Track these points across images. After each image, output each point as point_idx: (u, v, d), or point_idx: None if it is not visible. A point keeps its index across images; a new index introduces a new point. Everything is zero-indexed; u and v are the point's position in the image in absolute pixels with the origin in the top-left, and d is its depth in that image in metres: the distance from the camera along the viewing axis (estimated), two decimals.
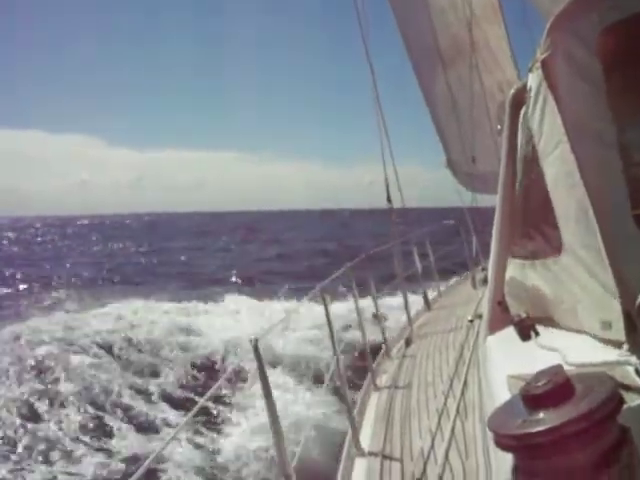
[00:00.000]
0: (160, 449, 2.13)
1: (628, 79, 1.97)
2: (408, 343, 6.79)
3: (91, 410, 10.07)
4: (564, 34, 2.01)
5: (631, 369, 1.59)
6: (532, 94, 2.21)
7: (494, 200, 3.21)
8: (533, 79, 2.19)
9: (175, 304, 19.21)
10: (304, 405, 8.84)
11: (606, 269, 1.82)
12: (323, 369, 10.68)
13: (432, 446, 3.82)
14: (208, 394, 2.88)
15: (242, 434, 8.83)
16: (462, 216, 10.71)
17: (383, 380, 5.59)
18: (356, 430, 4.16)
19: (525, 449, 1.17)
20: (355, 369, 8.73)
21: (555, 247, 2.15)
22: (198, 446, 8.55)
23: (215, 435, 8.99)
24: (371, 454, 3.97)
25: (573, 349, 1.89)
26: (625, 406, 1.19)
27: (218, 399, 9.86)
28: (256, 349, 3.00)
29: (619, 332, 1.77)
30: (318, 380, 10.40)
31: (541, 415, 1.16)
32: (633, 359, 1.64)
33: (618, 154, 1.93)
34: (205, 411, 9.40)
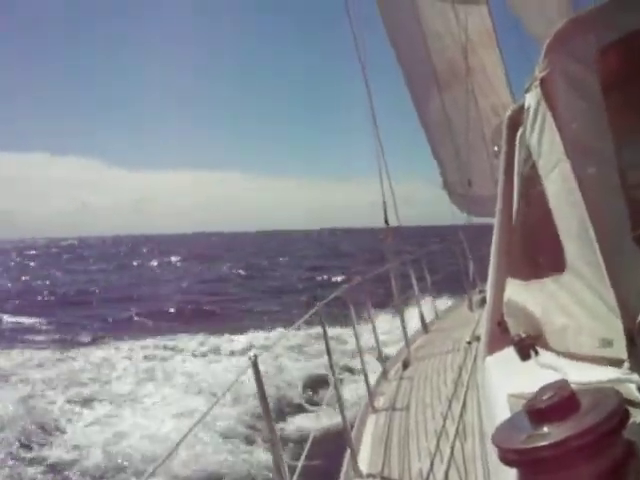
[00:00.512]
0: (164, 458, 2.10)
1: (627, 98, 1.99)
2: (406, 365, 6.76)
3: None
4: (562, 53, 2.03)
5: (633, 387, 1.58)
6: (530, 113, 2.22)
7: (489, 220, 3.23)
8: (531, 98, 2.21)
9: None
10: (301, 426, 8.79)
11: (607, 287, 1.82)
12: (321, 391, 10.68)
13: (431, 468, 3.78)
14: (203, 415, 2.82)
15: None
16: (458, 237, 10.77)
17: (381, 402, 5.55)
18: (354, 452, 4.12)
19: (530, 464, 1.15)
20: (353, 391, 8.74)
21: (557, 266, 2.15)
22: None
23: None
24: (369, 476, 3.93)
25: (574, 368, 1.88)
26: (630, 421, 1.18)
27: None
28: (255, 366, 2.96)
29: (620, 350, 1.77)
30: (314, 402, 10.39)
31: (546, 429, 1.15)
32: (635, 377, 1.64)
33: (617, 172, 1.94)
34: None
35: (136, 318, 25.49)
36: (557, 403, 1.17)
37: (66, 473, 8.93)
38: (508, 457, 1.20)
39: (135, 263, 62.15)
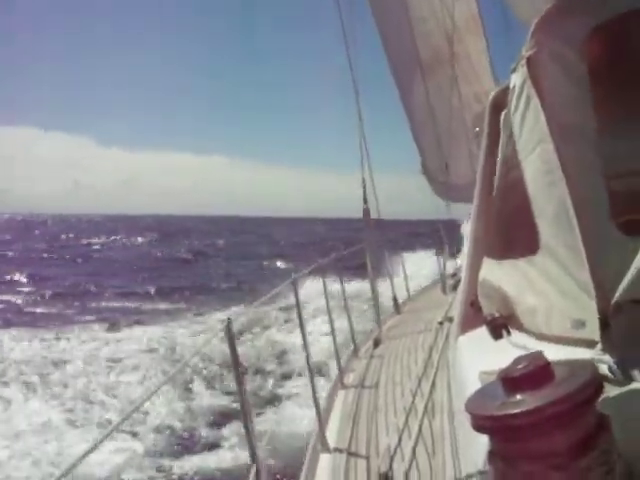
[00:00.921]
0: (124, 417, 2.09)
1: (613, 81, 1.99)
2: (377, 344, 6.81)
3: None
4: (550, 33, 2.02)
5: (605, 367, 1.60)
6: (515, 92, 2.21)
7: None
8: (517, 77, 2.20)
9: None
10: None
11: (583, 267, 1.82)
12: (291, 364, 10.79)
13: (399, 443, 3.82)
14: (176, 370, 2.81)
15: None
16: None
17: (350, 378, 5.59)
18: (322, 426, 4.15)
19: (503, 431, 1.16)
20: (323, 366, 8.83)
21: (531, 246, 2.16)
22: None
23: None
24: (337, 450, 3.96)
25: (546, 348, 1.91)
26: (604, 395, 1.19)
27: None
28: (229, 330, 2.94)
29: (593, 331, 1.78)
30: (286, 376, 10.48)
31: (520, 397, 1.15)
32: (607, 357, 1.66)
33: (599, 155, 1.95)
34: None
35: None
36: (532, 372, 1.18)
37: None
38: (481, 424, 1.20)
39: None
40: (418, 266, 16.78)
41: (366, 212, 7.81)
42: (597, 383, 1.16)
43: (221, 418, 8.84)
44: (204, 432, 8.43)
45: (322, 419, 4.25)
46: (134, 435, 8.08)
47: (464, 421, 1.73)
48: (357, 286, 13.89)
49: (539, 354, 1.25)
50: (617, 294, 1.69)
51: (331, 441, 4.08)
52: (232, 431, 8.05)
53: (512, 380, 1.20)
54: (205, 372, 10.71)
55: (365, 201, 7.72)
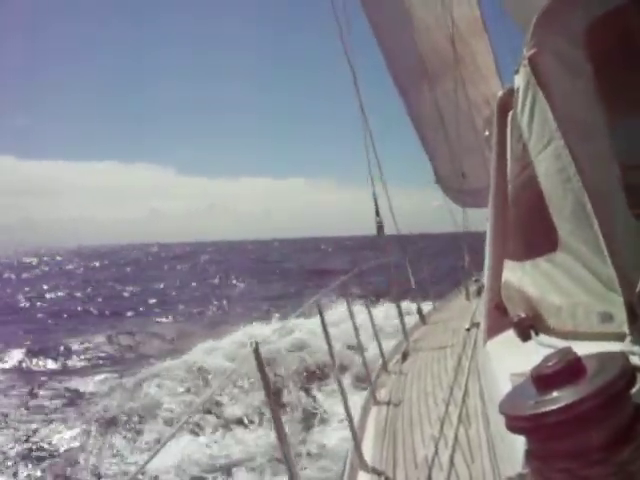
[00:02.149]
0: (154, 452, 2.09)
1: (616, 73, 1.99)
2: (405, 357, 6.77)
3: None
4: (550, 30, 2.02)
5: (637, 358, 1.58)
6: (520, 93, 2.21)
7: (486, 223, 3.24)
8: (521, 78, 2.21)
9: None
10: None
11: (605, 261, 1.81)
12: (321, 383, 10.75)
13: (436, 453, 3.79)
14: (202, 399, 2.83)
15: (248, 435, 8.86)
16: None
17: (382, 394, 5.56)
18: (358, 443, 4.12)
19: (539, 430, 1.14)
20: (353, 384, 8.79)
21: (550, 244, 2.14)
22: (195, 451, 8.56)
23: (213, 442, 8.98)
24: (374, 466, 3.93)
25: (574, 345, 1.88)
26: (638, 386, 1.17)
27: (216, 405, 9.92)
28: (257, 353, 2.93)
29: (621, 324, 1.76)
30: (316, 395, 10.45)
31: (554, 394, 1.14)
32: (637, 348, 1.64)
33: (611, 146, 1.94)
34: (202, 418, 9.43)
35: None
36: (563, 368, 1.16)
37: None
38: (516, 425, 1.19)
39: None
40: None
41: (380, 227, 7.76)
42: (630, 374, 1.14)
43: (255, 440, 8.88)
44: (238, 456, 8.46)
45: (357, 436, 4.23)
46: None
47: (499, 425, 1.71)
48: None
49: (568, 350, 1.23)
50: None
51: (368, 458, 4.05)
52: (266, 451, 8.05)
53: (544, 378, 1.18)
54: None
55: (377, 214, 7.67)
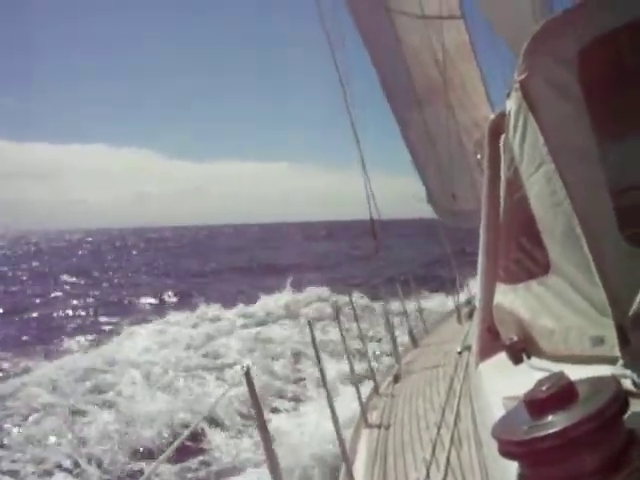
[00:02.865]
0: (159, 461, 2.07)
1: (608, 97, 2.01)
2: (397, 379, 6.75)
3: None
4: (541, 55, 2.04)
5: (629, 382, 1.58)
6: (512, 116, 2.23)
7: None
8: (512, 102, 2.22)
9: None
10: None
11: (596, 285, 1.81)
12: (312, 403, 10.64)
13: (428, 476, 3.76)
14: (195, 424, 2.80)
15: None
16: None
17: (374, 416, 5.52)
18: (349, 466, 4.08)
19: (532, 455, 1.13)
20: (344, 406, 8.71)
21: (541, 268, 2.15)
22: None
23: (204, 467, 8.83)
24: None
25: (567, 369, 1.88)
26: (630, 410, 1.17)
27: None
28: (247, 376, 2.91)
29: (612, 348, 1.76)
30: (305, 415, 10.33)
31: (547, 420, 1.13)
32: (629, 372, 1.63)
33: (602, 171, 1.95)
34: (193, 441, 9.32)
35: None
36: (555, 393, 1.16)
37: None
38: (509, 450, 1.18)
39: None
40: None
41: (376, 249, 7.71)
42: (623, 398, 1.14)
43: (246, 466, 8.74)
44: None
45: (348, 459, 4.19)
46: None
47: (492, 448, 1.70)
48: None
49: (561, 374, 1.23)
50: (633, 307, 1.68)
51: None
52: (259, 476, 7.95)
53: (536, 403, 1.18)
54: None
55: (375, 237, 7.61)
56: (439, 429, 4.54)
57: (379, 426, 5.18)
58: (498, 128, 2.78)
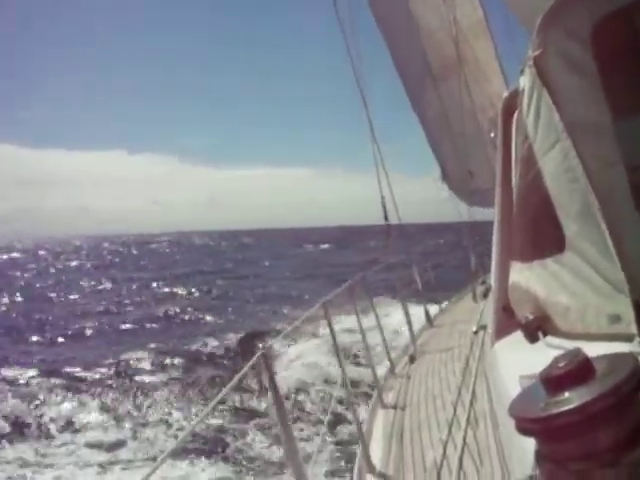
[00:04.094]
0: (166, 455, 2.10)
1: (622, 72, 1.98)
2: (412, 360, 6.76)
3: None
4: (555, 30, 2.02)
5: None
6: (526, 93, 2.20)
7: (492, 214, 3.23)
8: (526, 78, 2.20)
9: None
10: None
11: (613, 262, 1.80)
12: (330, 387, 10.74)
13: (445, 456, 3.78)
14: (213, 403, 2.83)
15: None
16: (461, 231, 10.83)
17: (390, 397, 5.55)
18: (366, 446, 4.11)
19: (549, 432, 1.13)
20: (361, 387, 8.78)
21: (557, 245, 2.13)
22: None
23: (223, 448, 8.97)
24: (383, 469, 3.92)
25: (583, 346, 1.87)
26: None
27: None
28: (265, 360, 2.95)
29: (629, 325, 1.76)
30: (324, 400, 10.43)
31: (564, 396, 1.13)
32: None
33: (618, 147, 1.93)
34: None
35: None
36: (572, 369, 1.15)
37: None
38: (526, 427, 1.17)
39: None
40: None
41: (388, 231, 7.76)
42: None
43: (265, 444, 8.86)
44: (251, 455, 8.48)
45: (365, 440, 4.22)
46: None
47: (508, 427, 1.70)
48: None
49: (577, 351, 1.22)
50: None
51: (376, 461, 4.04)
52: (277, 457, 8.06)
53: (553, 379, 1.17)
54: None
55: (386, 218, 7.66)
56: (455, 409, 4.56)
57: (395, 406, 5.20)
58: (512, 105, 2.75)
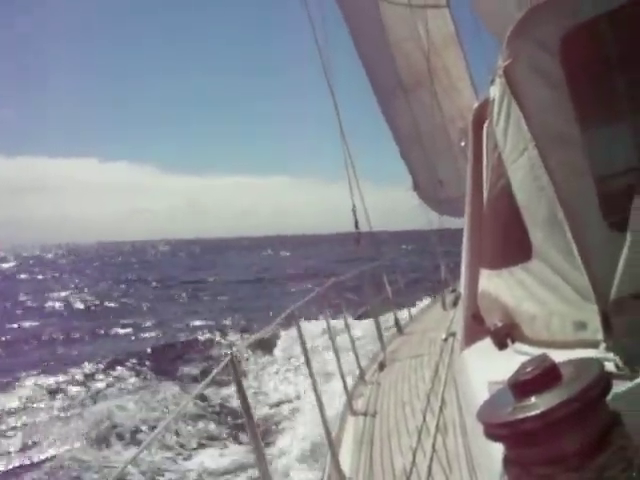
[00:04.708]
0: (132, 458, 2.08)
1: (590, 84, 2.01)
2: (382, 367, 6.77)
3: None
4: (524, 41, 2.05)
5: (611, 365, 1.60)
6: (495, 103, 2.23)
7: (462, 223, 3.26)
8: (496, 89, 2.23)
9: None
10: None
11: (579, 269, 1.83)
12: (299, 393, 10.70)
13: (414, 463, 3.78)
14: (180, 408, 2.81)
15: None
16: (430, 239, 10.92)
17: (359, 404, 5.55)
18: (335, 454, 4.10)
19: (516, 436, 1.14)
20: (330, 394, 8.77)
21: (525, 253, 2.16)
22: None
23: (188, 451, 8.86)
24: (352, 476, 3.91)
25: (551, 353, 1.90)
26: (613, 391, 1.18)
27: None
28: (233, 362, 2.93)
29: (595, 332, 1.78)
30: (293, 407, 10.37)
31: (530, 401, 1.14)
32: (611, 356, 1.65)
33: (586, 158, 1.96)
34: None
35: None
36: (539, 374, 1.16)
37: None
38: (493, 432, 1.19)
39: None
40: None
41: (357, 238, 7.81)
42: (605, 379, 1.15)
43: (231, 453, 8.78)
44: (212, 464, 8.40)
45: (334, 447, 4.21)
46: None
47: (477, 433, 1.71)
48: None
49: (545, 356, 1.23)
50: (614, 291, 1.69)
51: (345, 469, 4.03)
52: (243, 463, 7.99)
53: (520, 385, 1.18)
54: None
55: (357, 227, 7.73)
56: (425, 416, 4.57)
57: (365, 414, 5.20)
58: (482, 115, 2.78)
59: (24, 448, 10.09)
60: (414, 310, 10.67)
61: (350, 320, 7.17)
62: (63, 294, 37.73)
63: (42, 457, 9.63)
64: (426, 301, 11.96)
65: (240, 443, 8.99)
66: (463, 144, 4.16)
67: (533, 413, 1.10)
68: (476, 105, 2.96)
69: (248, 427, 2.98)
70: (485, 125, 2.66)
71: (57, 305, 34.08)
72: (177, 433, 9.33)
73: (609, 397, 1.16)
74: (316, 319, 9.89)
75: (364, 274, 8.11)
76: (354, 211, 7.81)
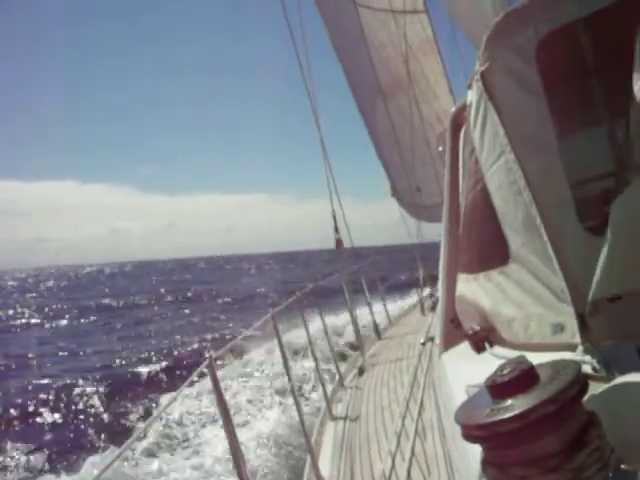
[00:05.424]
0: (116, 455, 2.06)
1: (568, 87, 2.04)
2: (361, 372, 6.78)
3: None
4: (501, 46, 2.07)
5: (588, 367, 1.61)
6: (473, 107, 2.25)
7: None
8: (473, 93, 2.24)
9: None
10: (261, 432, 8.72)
11: (556, 273, 1.84)
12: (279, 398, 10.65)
13: (393, 467, 3.78)
14: (161, 409, 2.80)
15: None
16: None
17: (339, 409, 5.54)
18: (315, 458, 4.09)
19: (493, 438, 1.14)
20: (309, 399, 8.73)
21: (502, 257, 2.17)
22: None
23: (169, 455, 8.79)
24: None
25: (529, 356, 1.91)
26: (590, 393, 1.19)
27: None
28: (211, 366, 2.92)
29: (573, 335, 1.79)
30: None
31: (507, 402, 1.15)
32: (588, 358, 1.67)
33: (561, 162, 1.98)
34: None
35: None
36: (516, 376, 1.17)
37: None
38: (471, 434, 1.18)
39: None
40: None
41: (339, 242, 7.81)
42: (582, 381, 1.16)
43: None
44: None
45: (314, 451, 4.20)
46: None
47: (455, 436, 1.71)
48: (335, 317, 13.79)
49: (522, 358, 1.24)
50: (590, 294, 1.71)
51: (325, 473, 4.03)
52: (222, 469, 7.93)
53: (498, 386, 1.19)
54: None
55: (336, 230, 7.72)
56: (404, 420, 4.58)
57: (344, 418, 5.20)
58: (459, 120, 2.80)
59: None
60: (393, 315, 10.69)
61: (329, 325, 7.14)
62: None
63: None
64: (404, 304, 12.00)
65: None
66: (440, 149, 4.18)
67: (511, 414, 1.10)
68: (453, 109, 2.97)
69: (226, 431, 2.97)
70: (462, 129, 2.68)
71: None
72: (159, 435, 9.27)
73: (586, 398, 1.17)
74: (295, 326, 9.85)
75: (342, 279, 8.11)
76: (334, 216, 7.80)
